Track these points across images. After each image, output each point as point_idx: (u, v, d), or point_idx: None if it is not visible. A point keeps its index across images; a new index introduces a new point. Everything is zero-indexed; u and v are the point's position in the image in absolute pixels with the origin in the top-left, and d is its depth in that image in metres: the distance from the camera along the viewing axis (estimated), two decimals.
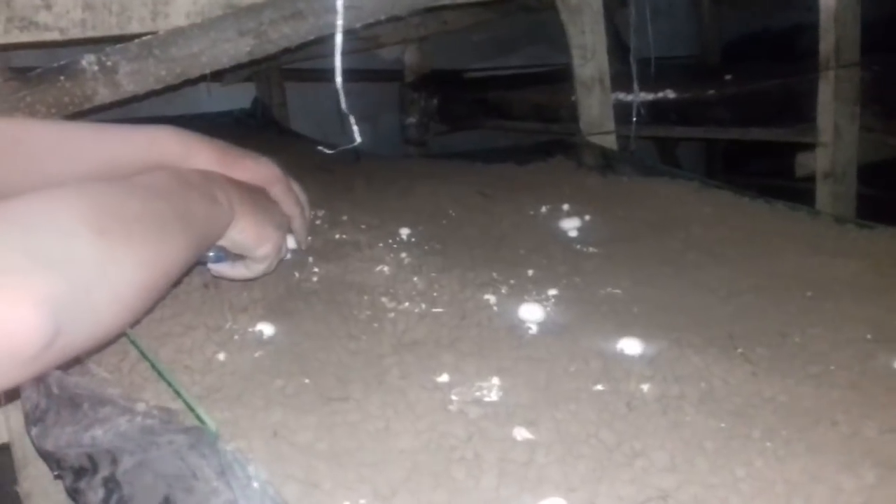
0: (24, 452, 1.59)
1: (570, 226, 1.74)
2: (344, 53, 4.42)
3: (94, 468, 1.00)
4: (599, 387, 1.04)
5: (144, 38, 1.61)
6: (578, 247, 1.66)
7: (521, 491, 0.83)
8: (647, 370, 1.08)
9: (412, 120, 4.77)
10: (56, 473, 1.09)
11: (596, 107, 2.27)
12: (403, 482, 0.85)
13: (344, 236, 1.75)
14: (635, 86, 2.40)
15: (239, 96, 4.19)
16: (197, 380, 1.08)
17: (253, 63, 3.81)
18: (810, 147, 2.94)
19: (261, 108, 4.12)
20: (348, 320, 1.28)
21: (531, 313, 1.26)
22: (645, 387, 1.04)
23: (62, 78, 1.52)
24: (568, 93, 4.15)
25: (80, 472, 1.03)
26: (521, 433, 0.93)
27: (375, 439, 0.93)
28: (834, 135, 2.84)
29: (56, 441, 1.05)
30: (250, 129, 3.86)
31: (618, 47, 5.02)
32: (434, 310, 1.32)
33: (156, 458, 0.85)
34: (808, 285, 1.37)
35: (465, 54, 5.07)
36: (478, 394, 1.02)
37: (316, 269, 1.54)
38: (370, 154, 3.65)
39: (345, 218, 1.91)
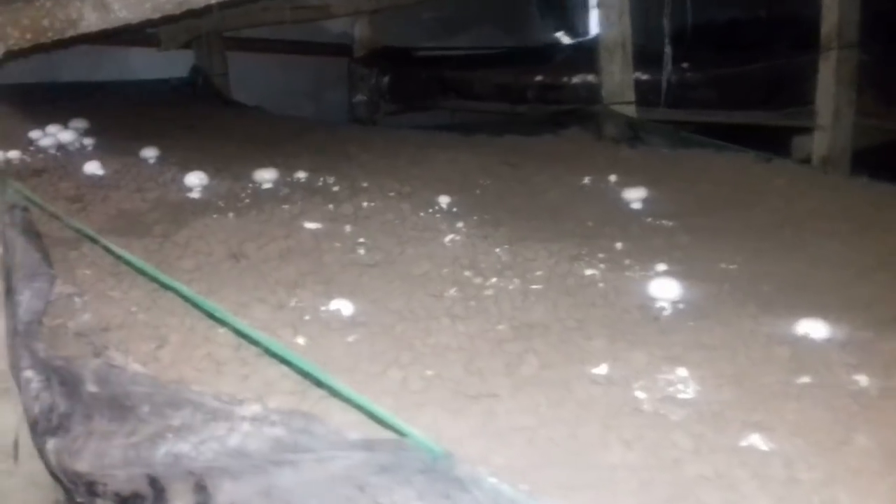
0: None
1: (634, 197, 1.52)
2: (289, 24, 4.05)
3: (159, 496, 0.72)
4: (805, 378, 0.83)
5: None
6: (650, 220, 1.45)
7: None
8: (846, 357, 0.88)
9: (362, 98, 4.48)
10: (80, 502, 0.80)
11: (618, 73, 2.07)
12: None
13: (373, 203, 1.48)
14: (666, 54, 2.20)
15: (173, 64, 3.81)
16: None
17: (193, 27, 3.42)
18: (806, 131, 2.84)
19: (201, 78, 3.75)
20: (439, 298, 1.03)
21: (664, 290, 1.04)
22: (860, 378, 0.83)
23: None
24: (533, 73, 4.00)
25: (129, 502, 0.75)
26: (756, 441, 0.71)
27: (569, 451, 0.69)
28: (833, 118, 2.74)
29: (96, 459, 0.76)
30: (191, 98, 3.49)
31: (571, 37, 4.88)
32: (533, 286, 1.08)
33: (296, 483, 0.59)
34: None
35: (414, 32, 4.83)
36: (669, 390, 0.79)
37: (361, 239, 1.27)
38: (345, 125, 3.36)
39: (365, 184, 1.63)
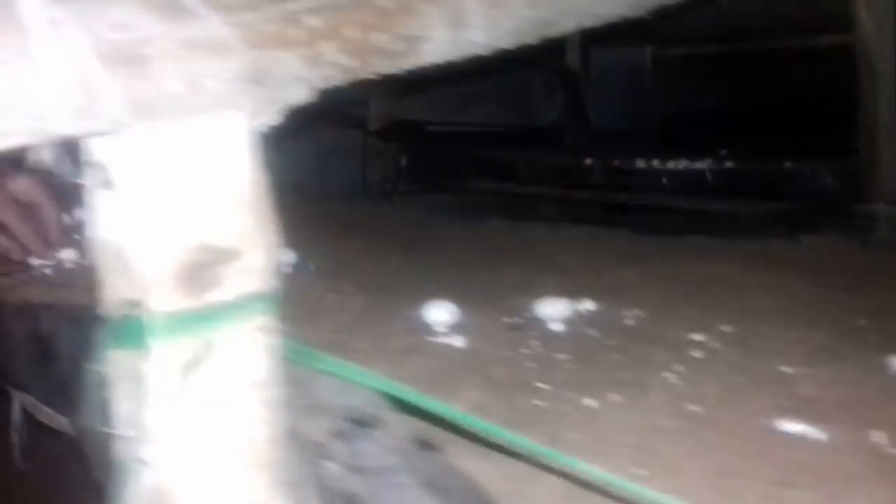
0: None
1: None
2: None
3: None
4: None
5: None
6: None
7: None
8: None
9: (377, 175, 3.89)
10: None
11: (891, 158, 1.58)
12: None
13: (692, 373, 0.87)
14: None
15: None
16: None
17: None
18: None
19: None
20: None
21: None
22: None
23: None
24: (584, 155, 3.52)
25: None
26: None
27: None
28: None
29: None
30: None
31: (579, 117, 4.40)
32: None
33: None
34: None
35: (428, 106, 4.32)
36: None
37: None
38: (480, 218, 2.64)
39: (698, 338, 1.01)
